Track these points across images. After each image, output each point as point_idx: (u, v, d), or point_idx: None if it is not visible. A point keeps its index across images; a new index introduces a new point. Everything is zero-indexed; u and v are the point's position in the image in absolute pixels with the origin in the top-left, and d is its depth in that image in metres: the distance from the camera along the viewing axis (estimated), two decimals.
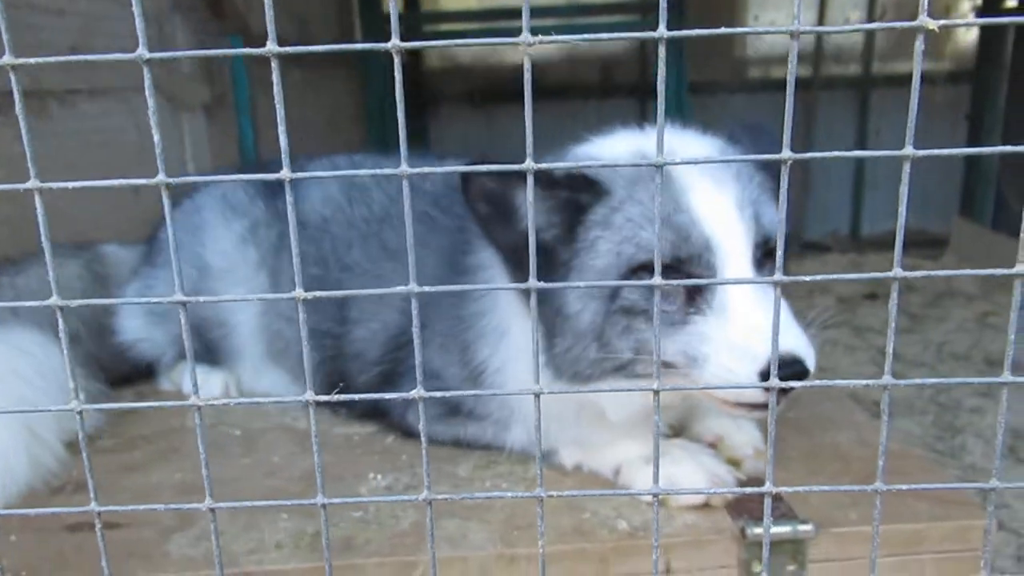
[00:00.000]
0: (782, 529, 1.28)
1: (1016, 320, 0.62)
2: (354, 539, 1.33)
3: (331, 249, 1.85)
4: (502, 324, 1.47)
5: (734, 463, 1.49)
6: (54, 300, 0.67)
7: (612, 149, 1.42)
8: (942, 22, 0.49)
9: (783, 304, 1.22)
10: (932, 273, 0.55)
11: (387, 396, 0.74)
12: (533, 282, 0.61)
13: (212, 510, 0.72)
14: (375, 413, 1.73)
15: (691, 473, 1.35)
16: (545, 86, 6.32)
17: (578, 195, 1.32)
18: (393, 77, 0.65)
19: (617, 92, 6.55)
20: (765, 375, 1.15)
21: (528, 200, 0.64)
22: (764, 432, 1.55)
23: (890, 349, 0.55)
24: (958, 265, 5.23)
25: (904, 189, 0.53)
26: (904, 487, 0.68)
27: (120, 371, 2.00)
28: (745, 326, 1.20)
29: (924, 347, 4.12)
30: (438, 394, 0.72)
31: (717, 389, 1.25)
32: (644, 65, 6.59)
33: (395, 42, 0.58)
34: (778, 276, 0.58)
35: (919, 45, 0.48)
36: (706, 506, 1.34)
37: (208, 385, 1.92)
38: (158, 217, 2.45)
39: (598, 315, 1.30)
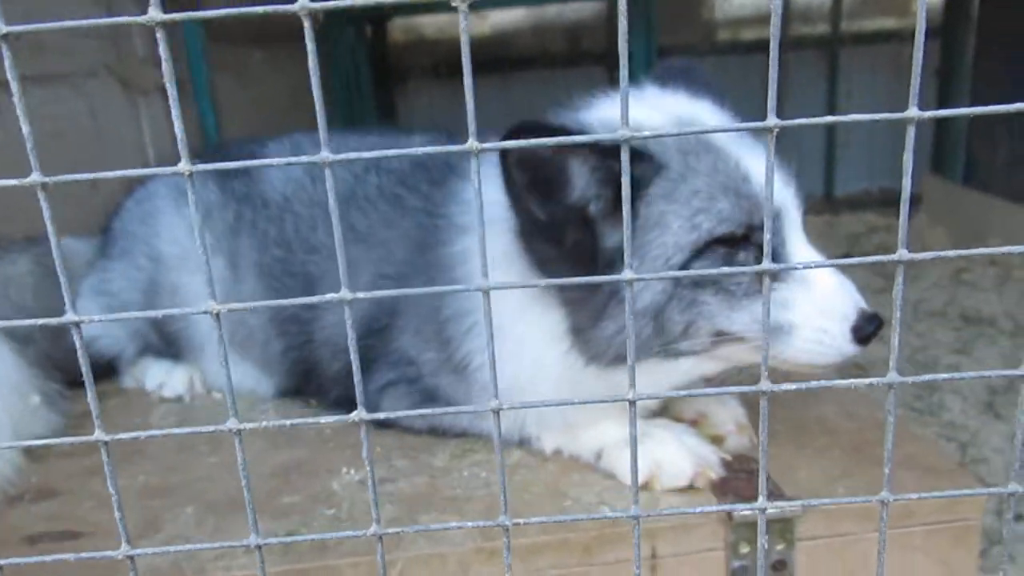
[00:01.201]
0: (770, 509, 1.24)
1: None
2: (327, 541, 1.27)
3: (294, 230, 1.77)
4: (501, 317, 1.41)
5: (717, 440, 1.45)
6: (69, 317, 0.60)
7: (651, 121, 1.30)
8: None
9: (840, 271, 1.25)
10: (941, 254, 0.50)
11: (330, 419, 0.68)
12: (483, 281, 0.55)
13: (131, 558, 0.66)
14: (347, 403, 1.67)
15: (675, 455, 1.31)
16: (511, 55, 6.22)
17: (632, 167, 1.25)
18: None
19: (584, 60, 6.45)
20: (856, 331, 1.20)
21: (475, 184, 0.57)
22: (746, 408, 1.52)
23: (895, 341, 0.49)
24: (929, 222, 5.23)
25: (908, 156, 0.48)
26: (913, 496, 0.63)
27: (78, 371, 1.91)
28: (829, 287, 1.23)
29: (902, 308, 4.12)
30: (381, 415, 0.67)
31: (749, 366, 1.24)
32: (611, 32, 6.49)
33: (304, 3, 0.51)
34: (767, 264, 0.53)
35: (910, 135, 0.43)
36: (691, 488, 1.31)
37: (172, 382, 1.85)
38: (114, 208, 2.36)
39: (663, 293, 1.25)
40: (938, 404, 3.29)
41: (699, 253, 1.23)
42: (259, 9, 0.53)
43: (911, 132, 0.47)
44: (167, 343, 1.86)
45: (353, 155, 0.57)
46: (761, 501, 0.62)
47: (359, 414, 0.60)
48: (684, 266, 1.23)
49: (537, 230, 1.25)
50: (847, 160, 6.23)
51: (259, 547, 0.64)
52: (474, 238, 1.40)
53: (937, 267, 4.66)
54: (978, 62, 5.48)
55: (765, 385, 0.57)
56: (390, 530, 0.66)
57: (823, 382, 0.58)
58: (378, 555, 0.64)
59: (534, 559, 1.25)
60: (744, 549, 1.26)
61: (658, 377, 1.32)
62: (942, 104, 5.88)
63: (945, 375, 0.52)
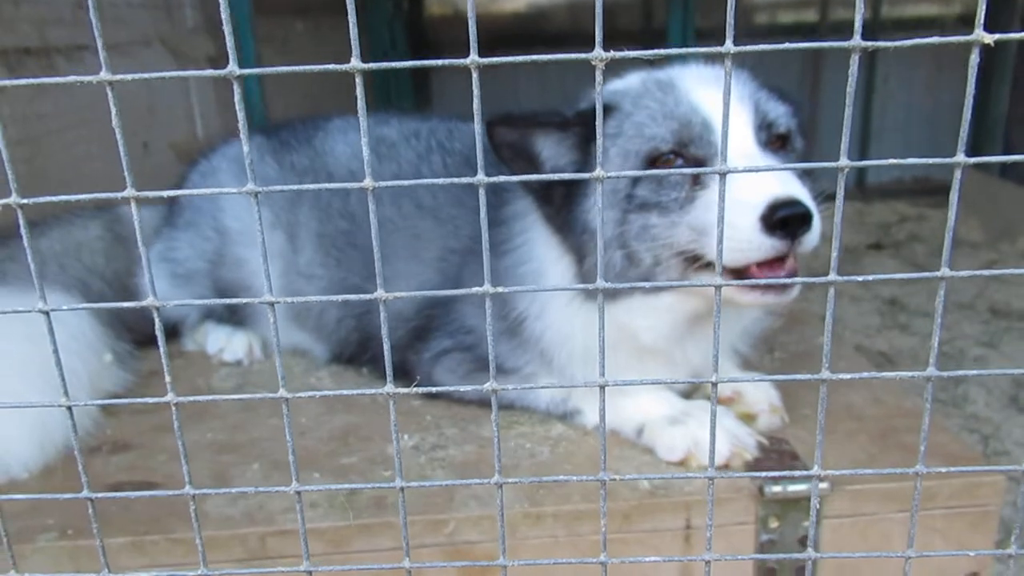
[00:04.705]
0: (799, 487, 1.33)
1: None
2: (386, 498, 1.38)
3: (358, 203, 1.86)
4: (539, 268, 1.52)
5: (749, 418, 1.53)
6: (150, 301, 0.70)
7: (626, 82, 1.48)
8: (997, 36, 0.50)
9: (789, 174, 1.26)
10: (977, 273, 0.57)
11: (462, 388, 0.77)
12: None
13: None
14: (401, 373, 1.76)
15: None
16: (546, 33, 6.25)
17: (590, 126, 1.35)
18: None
19: (620, 40, 6.43)
20: (765, 220, 1.19)
21: None
22: (778, 391, 1.59)
23: (935, 342, 0.57)
24: (964, 213, 5.23)
25: (954, 196, 0.55)
26: (942, 469, 0.71)
27: (146, 331, 2.01)
28: (744, 181, 1.22)
29: (929, 296, 4.16)
30: (510, 387, 0.75)
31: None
32: (648, 12, 6.51)
33: (474, 58, 0.60)
34: (833, 276, 0.61)
35: (974, 58, 0.50)
36: (726, 466, 1.39)
37: (232, 346, 1.96)
38: (172, 176, 2.47)
39: (617, 221, 1.37)
40: (962, 396, 3.33)
41: (637, 177, 1.36)
42: None
43: (957, 174, 0.54)
44: (230, 310, 1.97)
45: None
46: (816, 469, 0.71)
47: (491, 384, 0.70)
48: (630, 192, 1.36)
49: (533, 194, 1.48)
50: (880, 149, 6.23)
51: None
52: (527, 219, 1.53)
53: (968, 259, 4.67)
54: (1021, 52, 5.44)
55: (825, 374, 0.66)
56: (510, 480, 0.75)
57: (874, 373, 0.66)
58: (498, 500, 0.73)
59: (576, 525, 1.35)
60: (773, 524, 1.35)
61: (661, 314, 1.42)
62: (982, 92, 5.85)
63: (974, 371, 0.59)
